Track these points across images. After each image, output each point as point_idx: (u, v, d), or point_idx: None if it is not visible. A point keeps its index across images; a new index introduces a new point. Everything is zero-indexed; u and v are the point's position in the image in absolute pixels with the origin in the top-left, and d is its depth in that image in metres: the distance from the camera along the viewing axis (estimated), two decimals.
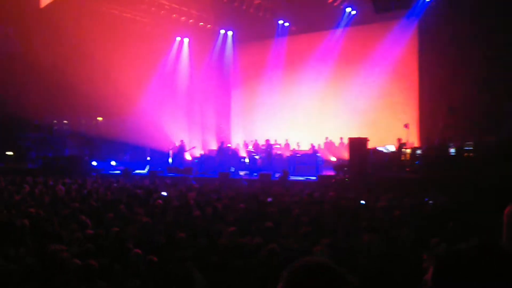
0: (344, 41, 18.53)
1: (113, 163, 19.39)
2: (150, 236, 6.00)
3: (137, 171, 17.65)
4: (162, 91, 20.69)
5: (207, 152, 18.81)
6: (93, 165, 18.36)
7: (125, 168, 17.40)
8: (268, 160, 16.76)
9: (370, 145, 13.77)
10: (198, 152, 19.67)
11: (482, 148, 12.38)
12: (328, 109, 18.91)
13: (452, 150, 13.06)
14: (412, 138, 15.14)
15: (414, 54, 17.21)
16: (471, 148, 12.73)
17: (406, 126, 14.47)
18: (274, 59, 20.33)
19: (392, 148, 14.53)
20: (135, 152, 19.96)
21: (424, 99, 16.67)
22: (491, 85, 14.17)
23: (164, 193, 10.94)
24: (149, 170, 17.56)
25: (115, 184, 12.95)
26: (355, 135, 13.91)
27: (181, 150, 18.81)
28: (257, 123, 20.76)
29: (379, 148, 14.35)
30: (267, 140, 17.61)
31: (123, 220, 7.28)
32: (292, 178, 15.03)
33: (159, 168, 17.87)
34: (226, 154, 18.13)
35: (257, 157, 17.62)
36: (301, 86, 19.52)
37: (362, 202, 9.14)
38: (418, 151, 13.91)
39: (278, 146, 18.82)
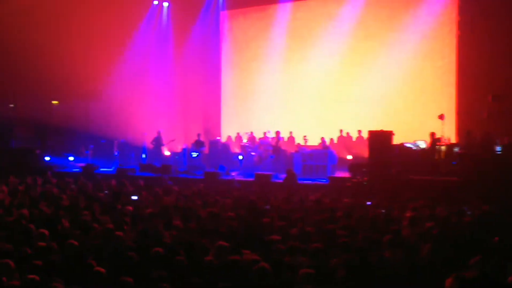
0: (365, 9, 18.44)
1: (71, 158, 19.38)
2: (118, 251, 6.01)
3: (102, 169, 17.63)
4: (135, 70, 20.66)
5: (190, 146, 18.82)
6: (46, 161, 18.34)
7: (87, 165, 17.40)
8: (277, 158, 16.89)
9: (395, 140, 13.76)
10: (179, 146, 19.65)
11: None
12: (343, 94, 18.91)
13: (498, 148, 13.08)
14: (449, 133, 15.15)
15: (452, 29, 17.18)
16: None
17: (441, 117, 14.48)
18: (276, 31, 20.27)
19: (423, 144, 14.54)
20: (99, 146, 19.89)
21: (464, 85, 16.69)
22: None
23: (135, 197, 10.96)
24: (116, 168, 17.51)
25: (73, 185, 12.93)
26: (377, 127, 13.92)
27: (157, 143, 18.82)
28: (254, 111, 20.76)
29: (407, 144, 14.35)
30: (278, 132, 17.70)
31: (83, 230, 7.26)
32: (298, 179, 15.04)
33: (130, 166, 17.88)
34: (214, 149, 18.13)
35: (253, 153, 17.65)
36: (310, 66, 19.49)
37: (382, 210, 9.20)
38: (456, 149, 13.92)
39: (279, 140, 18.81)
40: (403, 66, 17.63)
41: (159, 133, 18.95)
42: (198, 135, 18.43)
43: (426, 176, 13.01)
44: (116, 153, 19.47)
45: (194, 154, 16.13)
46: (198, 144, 18.19)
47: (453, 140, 15.40)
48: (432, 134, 14.31)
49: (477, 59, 15.91)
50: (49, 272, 5.03)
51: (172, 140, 19.05)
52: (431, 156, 13.95)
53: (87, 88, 19.17)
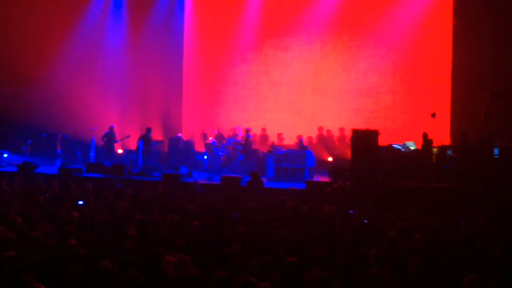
0: None
1: (5, 155, 18.94)
2: (61, 265, 5.91)
3: (42, 168, 17.29)
4: (84, 54, 20.34)
5: (137, 142, 18.62)
6: None
7: (24, 162, 17.03)
8: (247, 159, 16.90)
9: (382, 141, 13.92)
10: (133, 144, 19.47)
11: None
12: (324, 87, 19.01)
13: (496, 150, 13.33)
14: (441, 133, 15.41)
15: (447, 18, 17.46)
16: None
17: (433, 115, 14.70)
18: (247, 15, 20.25)
19: (413, 146, 14.75)
20: (39, 141, 19.48)
21: (459, 80, 16.96)
22: None
23: (81, 202, 10.86)
24: (60, 167, 17.10)
25: (7, 186, 12.71)
26: (361, 126, 14.07)
27: (109, 140, 18.53)
28: (221, 106, 20.75)
29: (395, 146, 14.54)
30: (247, 129, 17.71)
31: (20, 240, 7.10)
32: (269, 184, 15.05)
33: (75, 165, 17.50)
34: (175, 148, 18.05)
35: (220, 153, 17.63)
36: (287, 55, 19.60)
37: (366, 221, 9.29)
38: (449, 152, 14.15)
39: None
40: (392, 57, 17.92)
41: (111, 128, 18.64)
42: (148, 129, 18.01)
43: (416, 182, 13.20)
44: (59, 150, 19.15)
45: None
46: (145, 141, 17.79)
47: (446, 141, 15.64)
48: (425, 135, 14.44)
49: (474, 53, 16.18)
50: None
51: (127, 137, 18.80)
52: (422, 160, 14.13)
53: (25, 73, 18.79)
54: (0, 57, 17.90)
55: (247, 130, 17.66)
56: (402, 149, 14.52)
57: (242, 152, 17.11)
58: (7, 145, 19.46)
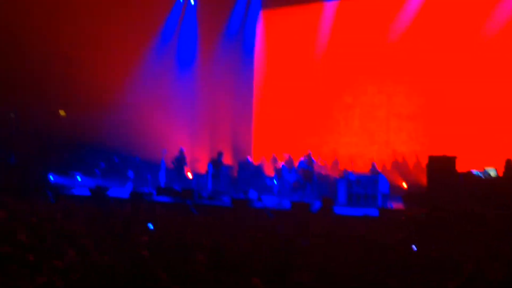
0: (432, 8, 18.47)
1: (78, 178, 19.76)
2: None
3: (113, 191, 17.75)
4: (156, 77, 21.21)
5: (207, 167, 19.24)
6: (49, 180, 18.70)
7: (97, 186, 17.65)
8: (309, 183, 17.12)
9: (460, 167, 13.92)
10: (203, 168, 20.05)
11: None
12: (399, 110, 19.15)
13: None
14: None
15: None
16: None
17: None
18: (320, 36, 20.58)
19: (494, 172, 14.60)
20: (111, 164, 20.25)
21: None
22: None
23: (151, 226, 11.17)
24: (132, 192, 17.53)
25: (80, 211, 13.06)
26: (439, 152, 14.16)
27: (179, 163, 19.09)
28: (292, 129, 21.08)
29: (475, 172, 14.46)
30: (308, 153, 17.91)
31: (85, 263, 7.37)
32: (340, 210, 15.10)
33: (146, 189, 18.12)
34: (244, 172, 18.61)
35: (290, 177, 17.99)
36: (360, 74, 19.83)
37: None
38: None
39: (321, 163, 19.01)
40: (471, 77, 17.72)
41: (180, 151, 19.12)
42: (219, 154, 18.54)
43: (498, 211, 13.02)
44: (130, 174, 19.77)
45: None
46: (215, 164, 18.35)
47: None
48: (508, 161, 14.20)
49: None
50: None
51: (197, 160, 19.25)
52: (504, 187, 13.94)
53: (100, 97, 19.68)
54: (76, 81, 18.78)
55: (309, 154, 17.69)
56: (483, 176, 14.40)
57: (304, 178, 17.31)
58: (80, 167, 20.16)
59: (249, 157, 20.31)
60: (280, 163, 18.91)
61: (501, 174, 14.33)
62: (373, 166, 17.50)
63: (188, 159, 19.37)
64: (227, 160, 20.19)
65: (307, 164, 17.70)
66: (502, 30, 17.29)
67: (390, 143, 18.93)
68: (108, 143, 20.01)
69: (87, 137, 20.00)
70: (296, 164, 18.51)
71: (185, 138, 20.83)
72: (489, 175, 14.43)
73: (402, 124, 19.01)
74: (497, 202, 13.42)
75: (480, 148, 16.79)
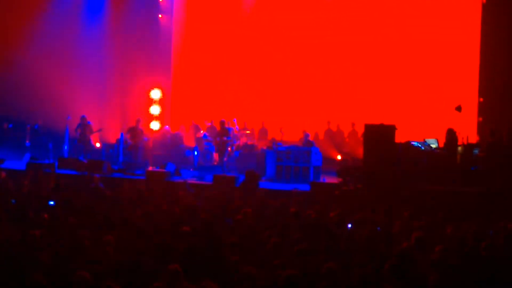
0: None
1: None
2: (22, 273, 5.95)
3: (8, 163, 17.19)
4: (58, 34, 20.23)
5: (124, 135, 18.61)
6: None
7: None
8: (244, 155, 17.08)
9: (399, 137, 13.81)
10: (113, 137, 19.53)
11: None
12: (333, 76, 19.06)
13: None
14: (467, 130, 15.32)
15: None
16: None
17: (458, 109, 14.58)
18: None
19: (435, 143, 14.63)
20: (4, 132, 19.55)
21: (489, 68, 16.86)
22: None
23: (52, 202, 10.87)
24: (28, 162, 17.00)
25: None
26: (375, 120, 13.99)
27: (83, 131, 18.40)
28: (215, 95, 20.79)
29: (414, 143, 14.42)
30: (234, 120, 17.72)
31: None
32: (268, 185, 15.05)
33: (46, 159, 17.43)
34: (161, 142, 18.19)
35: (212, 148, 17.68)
36: (292, 36, 19.65)
37: (378, 228, 9.25)
38: (476, 150, 14.02)
39: (248, 132, 18.84)
40: (410, 41, 17.93)
41: (82, 118, 18.47)
42: (137, 121, 17.99)
43: (437, 186, 13.10)
44: (27, 143, 19.17)
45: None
46: (133, 133, 17.62)
47: (473, 139, 15.55)
48: (449, 131, 14.10)
49: (505, 35, 16.07)
50: None
51: (99, 130, 18.73)
52: (445, 160, 14.01)
53: None
54: None
55: (222, 122, 17.16)
56: (422, 147, 14.36)
57: (238, 148, 17.08)
58: None
59: (166, 126, 19.96)
60: (202, 132, 18.66)
61: (442, 145, 14.35)
62: (305, 136, 17.28)
63: (94, 127, 18.75)
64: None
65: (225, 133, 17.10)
66: None
67: (324, 112, 18.86)
68: (1, 108, 19.25)
69: None
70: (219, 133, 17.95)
71: (92, 104, 20.02)
72: (429, 146, 14.44)
73: (337, 90, 18.96)
74: (437, 174, 13.52)
75: (419, 118, 16.86)
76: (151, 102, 20.93)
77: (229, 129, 17.15)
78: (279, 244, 7.65)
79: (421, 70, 17.92)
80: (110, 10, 21.51)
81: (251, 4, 20.44)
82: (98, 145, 19.36)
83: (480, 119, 16.84)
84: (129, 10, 21.37)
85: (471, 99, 16.89)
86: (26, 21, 19.59)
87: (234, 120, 18.51)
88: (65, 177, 14.95)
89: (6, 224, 8.66)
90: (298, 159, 15.97)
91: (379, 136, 13.54)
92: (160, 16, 21.79)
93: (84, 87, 20.34)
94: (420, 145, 14.33)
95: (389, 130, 13.55)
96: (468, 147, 14.26)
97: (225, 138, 16.80)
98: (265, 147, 17.32)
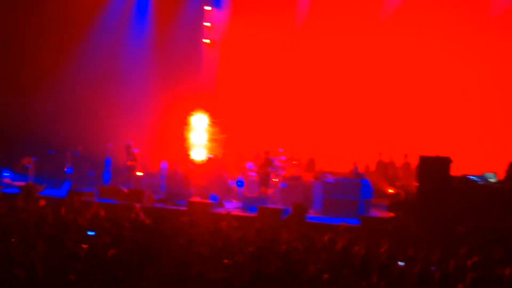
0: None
1: (6, 174, 19.18)
2: None
3: (48, 191, 17.48)
4: (101, 61, 20.74)
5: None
6: None
7: (27, 183, 17.24)
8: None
9: (455, 170, 13.78)
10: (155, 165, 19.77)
11: None
12: (386, 105, 19.19)
13: None
14: None
15: None
16: None
17: None
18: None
19: (493, 177, 14.52)
20: (45, 158, 19.71)
21: None
22: None
23: (92, 232, 11.04)
24: (69, 190, 17.36)
25: (9, 211, 12.95)
26: (429, 152, 14.03)
27: (129, 158, 18.95)
28: (261, 123, 20.93)
29: (471, 177, 14.35)
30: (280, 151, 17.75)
31: None
32: (315, 218, 15.08)
33: (86, 187, 17.95)
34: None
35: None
36: (341, 62, 19.81)
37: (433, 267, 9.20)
38: None
39: (294, 163, 18.78)
40: (467, 67, 17.96)
41: (127, 146, 18.89)
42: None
43: (495, 223, 12.95)
44: (67, 170, 19.39)
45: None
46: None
47: None
48: (511, 165, 14.09)
49: None
50: None
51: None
52: (504, 195, 13.87)
53: (31, 80, 19.35)
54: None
55: (266, 153, 17.46)
56: (480, 181, 14.30)
57: (284, 179, 17.21)
58: (9, 163, 19.51)
59: (210, 155, 19.92)
60: (247, 162, 18.69)
61: (503, 179, 14.22)
62: (355, 168, 17.37)
63: (138, 156, 19.07)
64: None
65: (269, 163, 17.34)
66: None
67: (375, 143, 18.91)
68: (42, 135, 19.32)
69: (16, 127, 19.36)
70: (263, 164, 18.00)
71: (134, 131, 20.19)
72: (487, 180, 14.32)
73: (390, 119, 19.02)
74: (495, 210, 13.38)
75: (477, 151, 16.71)
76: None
77: (273, 160, 17.35)
78: (330, 281, 7.74)
79: (480, 99, 17.82)
80: (154, 36, 21.98)
81: (300, 28, 20.74)
82: (139, 173, 19.50)
83: None
84: (174, 33, 21.78)
85: None
86: (68, 44, 20.14)
87: (280, 150, 18.67)
88: (105, 206, 15.01)
89: (44, 255, 8.76)
90: (347, 191, 15.92)
91: (433, 169, 13.59)
92: (205, 40, 22.15)
93: (126, 117, 20.69)
94: (477, 179, 14.24)
95: (445, 163, 13.57)
96: None
97: (269, 169, 17.01)
98: (312, 179, 17.30)
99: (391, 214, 14.60)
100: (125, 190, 17.35)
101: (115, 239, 10.48)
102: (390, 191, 17.37)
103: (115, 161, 19.27)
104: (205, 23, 22.43)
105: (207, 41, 22.37)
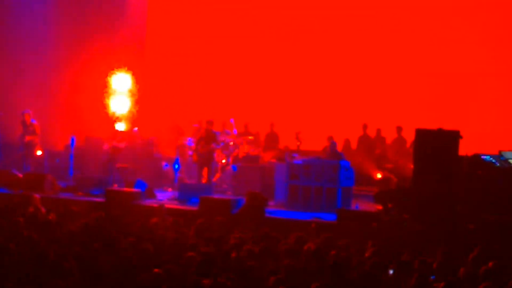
0: None
1: None
2: None
3: None
4: None
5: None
6: None
7: None
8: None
9: (464, 149, 13.85)
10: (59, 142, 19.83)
11: None
12: (371, 62, 19.48)
13: None
14: None
15: None
16: None
17: None
18: None
19: None
20: None
21: None
22: None
23: None
24: None
25: None
26: (431, 124, 14.13)
27: (25, 132, 18.70)
28: (203, 88, 21.43)
29: (486, 157, 14.43)
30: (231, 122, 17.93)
31: None
32: (276, 213, 15.13)
33: None
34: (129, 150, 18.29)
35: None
36: (311, 16, 20.18)
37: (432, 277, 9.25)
38: None
39: (250, 138, 18.79)
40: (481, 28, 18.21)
41: (25, 114, 18.75)
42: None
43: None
44: None
45: None
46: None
47: None
48: None
49: None
50: None
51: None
52: None
53: None
54: None
55: (209, 123, 17.51)
56: (496, 163, 14.40)
57: (236, 160, 17.32)
58: None
59: (135, 128, 19.94)
60: (186, 137, 18.90)
61: None
62: (332, 145, 17.36)
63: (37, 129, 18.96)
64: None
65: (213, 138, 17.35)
66: None
67: (359, 111, 19.15)
68: None
69: None
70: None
71: (32, 97, 20.33)
72: (507, 162, 14.42)
73: (379, 82, 19.36)
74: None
75: (493, 124, 17.04)
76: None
77: (217, 133, 17.39)
78: None
79: (494, 59, 18.16)
80: None
81: None
82: (39, 152, 19.44)
83: None
84: None
85: None
86: None
87: (231, 121, 18.62)
88: None
89: None
90: (320, 176, 15.95)
91: (436, 146, 13.59)
92: None
93: (23, 72, 20.80)
94: (493, 160, 14.34)
95: (451, 138, 13.58)
96: None
97: (213, 145, 16.98)
98: (274, 160, 17.45)
99: (379, 207, 14.72)
100: (20, 175, 17.27)
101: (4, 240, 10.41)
102: (378, 175, 17.49)
103: (7, 136, 19.23)
104: None
105: None
